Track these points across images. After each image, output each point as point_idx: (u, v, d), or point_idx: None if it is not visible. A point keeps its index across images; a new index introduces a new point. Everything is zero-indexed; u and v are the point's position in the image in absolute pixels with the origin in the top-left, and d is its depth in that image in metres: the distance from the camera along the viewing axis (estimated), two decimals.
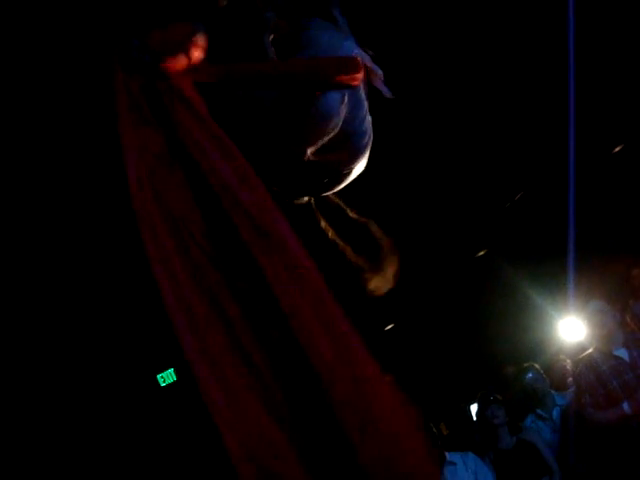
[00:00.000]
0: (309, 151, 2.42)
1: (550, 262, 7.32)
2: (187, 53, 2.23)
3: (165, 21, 2.33)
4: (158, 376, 7.95)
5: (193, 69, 2.23)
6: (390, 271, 2.81)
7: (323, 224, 2.77)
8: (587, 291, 6.04)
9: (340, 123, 2.45)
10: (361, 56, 2.52)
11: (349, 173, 2.60)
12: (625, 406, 4.58)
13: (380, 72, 2.59)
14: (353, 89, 2.48)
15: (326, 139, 2.43)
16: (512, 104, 7.04)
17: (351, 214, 2.82)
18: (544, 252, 7.73)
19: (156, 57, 2.17)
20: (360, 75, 2.44)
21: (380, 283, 2.83)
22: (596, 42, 6.28)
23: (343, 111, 2.45)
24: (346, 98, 2.46)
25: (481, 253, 8.84)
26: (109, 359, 7.14)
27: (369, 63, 2.56)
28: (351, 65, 2.43)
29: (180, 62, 2.22)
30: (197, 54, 2.25)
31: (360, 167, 2.62)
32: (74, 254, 5.99)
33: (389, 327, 9.41)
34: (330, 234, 2.79)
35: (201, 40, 2.28)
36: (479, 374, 7.88)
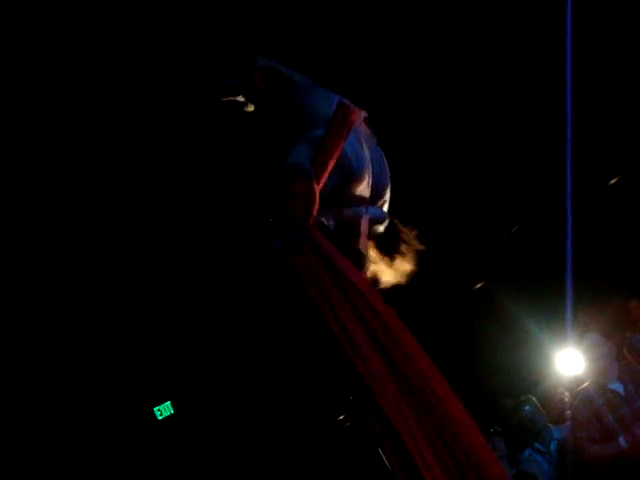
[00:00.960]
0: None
1: (547, 294, 7.32)
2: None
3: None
4: (155, 409, 7.93)
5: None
6: (405, 266, 2.84)
7: None
8: (585, 323, 6.04)
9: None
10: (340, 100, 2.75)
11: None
12: (621, 440, 4.56)
13: (363, 113, 2.75)
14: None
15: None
16: (508, 135, 7.10)
17: None
18: (542, 284, 7.73)
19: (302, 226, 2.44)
20: (355, 116, 2.64)
21: (391, 277, 2.88)
22: (593, 73, 6.35)
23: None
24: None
25: (478, 285, 8.84)
26: (106, 391, 7.13)
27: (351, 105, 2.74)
28: (348, 110, 2.69)
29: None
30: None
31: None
32: (77, 281, 6.02)
33: None
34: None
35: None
36: (476, 406, 7.83)
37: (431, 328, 8.76)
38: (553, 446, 5.52)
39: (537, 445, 5.56)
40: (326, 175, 2.54)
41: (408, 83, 6.24)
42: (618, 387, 4.81)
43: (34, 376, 6.51)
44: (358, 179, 2.70)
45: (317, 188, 2.45)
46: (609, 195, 8.15)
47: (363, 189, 2.72)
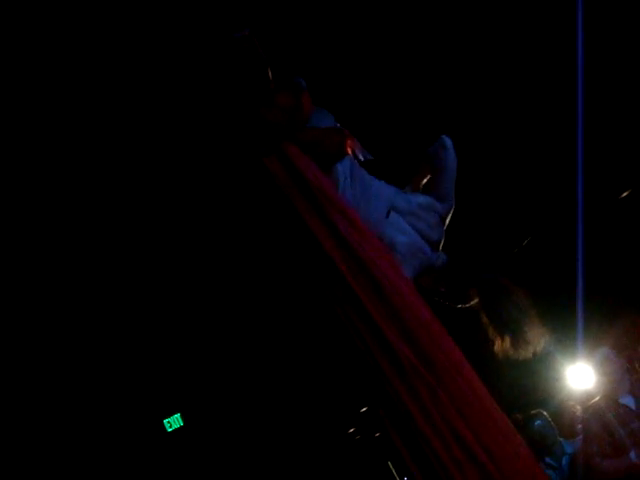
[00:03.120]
0: None
1: (559, 308, 7.29)
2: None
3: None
4: (165, 421, 7.94)
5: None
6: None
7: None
8: (596, 337, 6.01)
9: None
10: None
11: None
12: (632, 455, 4.53)
13: (357, 142, 2.74)
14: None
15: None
16: (520, 149, 7.10)
17: None
18: (552, 298, 7.71)
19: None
20: (351, 143, 2.65)
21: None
22: (605, 87, 6.36)
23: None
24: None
25: None
26: (117, 404, 7.15)
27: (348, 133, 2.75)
28: (344, 134, 2.71)
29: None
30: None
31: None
32: (89, 294, 6.05)
33: None
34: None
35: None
36: None
37: None
38: (564, 461, 5.48)
39: (548, 460, 5.52)
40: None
41: (418, 102, 6.27)
42: (629, 401, 4.78)
43: (45, 389, 6.53)
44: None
45: (304, 105, 2.53)
46: (620, 208, 8.14)
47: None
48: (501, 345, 2.68)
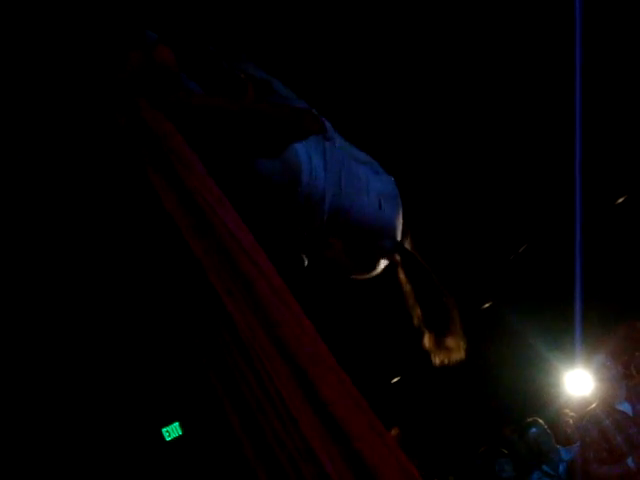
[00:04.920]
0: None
1: (556, 314, 7.31)
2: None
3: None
4: (163, 430, 7.92)
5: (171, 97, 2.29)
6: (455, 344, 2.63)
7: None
8: (593, 343, 6.02)
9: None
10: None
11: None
12: (630, 461, 4.53)
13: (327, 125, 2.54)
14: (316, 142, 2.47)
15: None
16: (517, 155, 7.12)
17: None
18: (550, 304, 7.72)
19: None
20: (315, 124, 2.46)
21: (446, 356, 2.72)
22: (603, 93, 6.38)
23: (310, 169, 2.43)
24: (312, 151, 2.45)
25: (486, 305, 8.84)
26: (114, 412, 7.14)
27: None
28: (311, 117, 2.49)
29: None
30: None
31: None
32: (84, 304, 6.05)
33: (395, 380, 9.38)
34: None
35: (169, 55, 2.36)
36: (485, 427, 7.81)
37: None
38: (562, 468, 5.48)
39: (545, 468, 5.52)
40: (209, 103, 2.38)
41: (413, 110, 6.28)
42: (626, 408, 4.79)
43: (43, 397, 6.53)
44: (303, 205, 2.42)
45: (159, 60, 2.31)
46: (618, 214, 8.16)
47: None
48: (426, 339, 2.59)
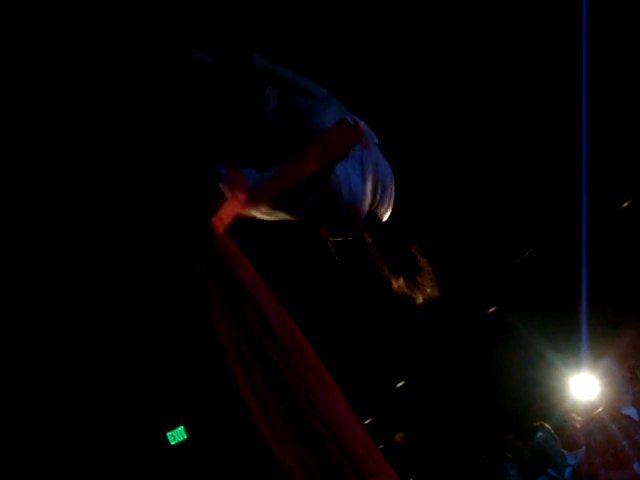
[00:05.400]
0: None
1: (562, 318, 7.29)
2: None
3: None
4: (168, 434, 7.92)
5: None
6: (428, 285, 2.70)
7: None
8: (599, 347, 6.00)
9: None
10: (345, 117, 2.60)
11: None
12: (636, 466, 4.50)
13: (364, 126, 2.61)
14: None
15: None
16: (523, 159, 7.12)
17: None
18: (556, 308, 7.71)
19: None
20: (354, 137, 2.53)
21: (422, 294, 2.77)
22: (609, 98, 6.38)
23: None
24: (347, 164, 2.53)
25: (492, 309, 8.82)
26: (120, 416, 7.14)
27: (352, 120, 2.60)
28: (347, 130, 2.54)
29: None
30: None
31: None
32: (88, 307, 6.06)
33: (400, 384, 9.36)
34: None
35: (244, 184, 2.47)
36: (490, 431, 7.79)
37: (444, 353, 8.76)
38: (567, 472, 5.45)
39: (551, 472, 5.49)
40: (271, 194, 2.49)
41: (419, 116, 6.28)
42: (632, 412, 4.76)
43: (47, 400, 6.53)
44: (346, 215, 2.54)
45: (238, 199, 2.42)
46: (623, 218, 8.15)
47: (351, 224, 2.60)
48: (397, 284, 2.61)
